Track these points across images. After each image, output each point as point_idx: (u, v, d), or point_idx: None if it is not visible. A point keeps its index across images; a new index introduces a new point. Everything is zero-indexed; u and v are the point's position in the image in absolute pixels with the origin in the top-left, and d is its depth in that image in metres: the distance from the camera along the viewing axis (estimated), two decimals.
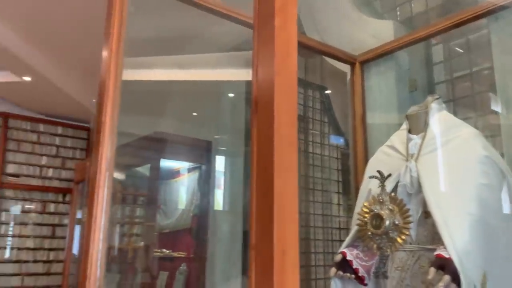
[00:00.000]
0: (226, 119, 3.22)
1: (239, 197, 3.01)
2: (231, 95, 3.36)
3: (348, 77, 2.51)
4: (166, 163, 3.06)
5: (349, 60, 2.37)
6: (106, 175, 1.36)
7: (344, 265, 1.55)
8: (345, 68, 2.55)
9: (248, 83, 3.32)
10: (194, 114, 3.37)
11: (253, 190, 0.75)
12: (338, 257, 1.57)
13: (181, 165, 3.15)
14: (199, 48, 2.98)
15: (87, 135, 5.09)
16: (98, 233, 1.31)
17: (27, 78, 3.87)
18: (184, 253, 2.91)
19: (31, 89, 4.16)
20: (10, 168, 4.57)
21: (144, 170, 2.84)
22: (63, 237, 4.73)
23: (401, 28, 2.39)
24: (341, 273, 1.54)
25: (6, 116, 4.58)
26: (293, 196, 0.71)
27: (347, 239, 1.64)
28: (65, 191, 4.83)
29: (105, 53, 1.45)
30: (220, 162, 3.12)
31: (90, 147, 5.06)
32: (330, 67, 2.68)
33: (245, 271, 2.72)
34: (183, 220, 3.04)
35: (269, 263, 0.68)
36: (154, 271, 2.84)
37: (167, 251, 2.89)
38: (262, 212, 0.72)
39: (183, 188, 3.10)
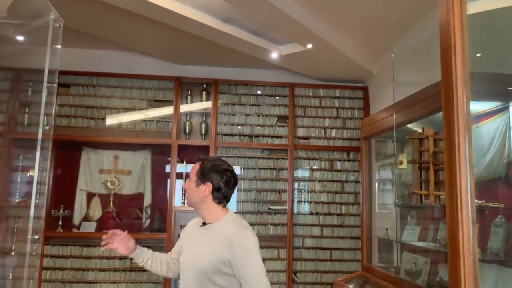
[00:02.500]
0: None
1: None
2: None
3: None
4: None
5: None
6: (465, 108, 1.27)
7: None
8: None
9: None
10: (493, 45, 2.93)
11: None
12: None
13: (485, 106, 2.80)
14: None
15: (362, 94, 5.21)
16: (465, 172, 1.23)
17: (309, 46, 4.19)
18: (500, 204, 2.60)
19: (312, 57, 4.49)
20: (300, 132, 5.12)
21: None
22: (351, 193, 5.03)
23: None
24: None
25: (292, 85, 5.13)
26: None
27: None
28: (348, 150, 5.10)
29: None
30: None
31: (366, 105, 5.18)
32: None
33: None
34: (494, 168, 2.72)
35: None
36: None
37: (479, 202, 2.64)
38: None
39: (489, 132, 2.76)
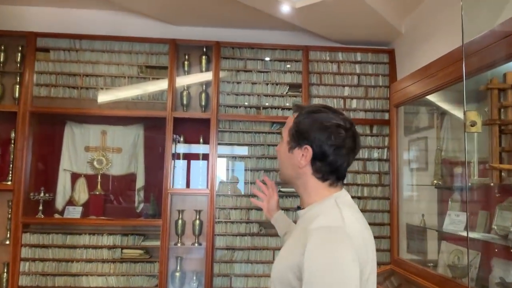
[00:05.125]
0: None
1: None
2: None
3: None
4: None
5: None
6: None
7: None
8: None
9: None
10: None
11: None
12: None
13: None
14: None
15: (388, 59, 4.47)
16: None
17: None
18: None
19: (330, 10, 3.77)
20: (315, 102, 4.42)
21: None
22: (375, 172, 4.35)
23: None
24: None
25: (307, 49, 4.41)
26: None
27: None
28: (371, 123, 4.40)
29: None
30: None
31: (393, 71, 4.45)
32: None
33: None
34: None
35: None
36: None
37: None
38: None
39: None
